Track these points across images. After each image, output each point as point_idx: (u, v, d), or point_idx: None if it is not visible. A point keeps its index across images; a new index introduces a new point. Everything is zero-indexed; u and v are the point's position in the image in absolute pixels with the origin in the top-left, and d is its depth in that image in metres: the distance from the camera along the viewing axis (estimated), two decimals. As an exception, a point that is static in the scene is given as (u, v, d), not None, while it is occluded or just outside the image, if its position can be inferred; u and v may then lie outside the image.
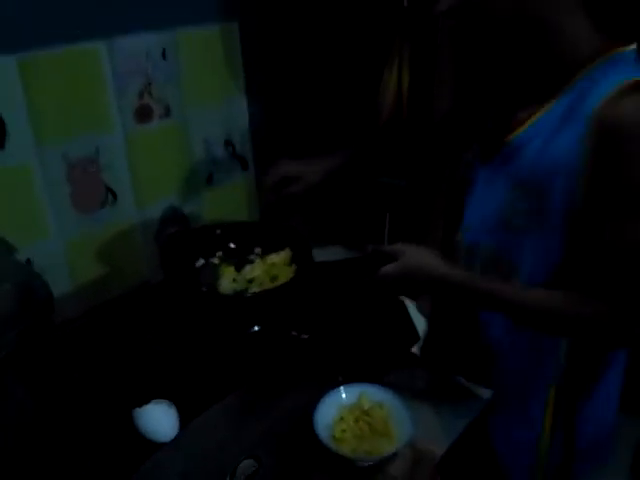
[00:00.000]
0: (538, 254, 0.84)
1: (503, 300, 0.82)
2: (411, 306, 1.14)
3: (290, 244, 1.13)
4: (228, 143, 1.44)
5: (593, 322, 0.78)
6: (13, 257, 0.98)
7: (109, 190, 1.22)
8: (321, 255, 1.11)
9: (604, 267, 0.76)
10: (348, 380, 0.92)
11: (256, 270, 1.11)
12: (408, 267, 0.84)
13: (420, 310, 1.15)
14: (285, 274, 1.06)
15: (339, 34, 1.67)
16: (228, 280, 1.11)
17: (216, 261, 1.16)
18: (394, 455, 0.82)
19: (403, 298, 1.15)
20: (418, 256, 0.85)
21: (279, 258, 1.11)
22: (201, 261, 1.16)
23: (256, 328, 1.02)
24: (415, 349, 1.08)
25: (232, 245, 1.19)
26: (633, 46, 0.77)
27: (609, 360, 0.92)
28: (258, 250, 1.17)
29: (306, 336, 1.00)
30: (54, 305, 0.76)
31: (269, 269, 1.11)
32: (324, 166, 1.13)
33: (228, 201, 1.49)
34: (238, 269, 1.13)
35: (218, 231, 1.19)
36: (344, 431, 0.85)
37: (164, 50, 1.21)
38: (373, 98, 1.70)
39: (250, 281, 1.10)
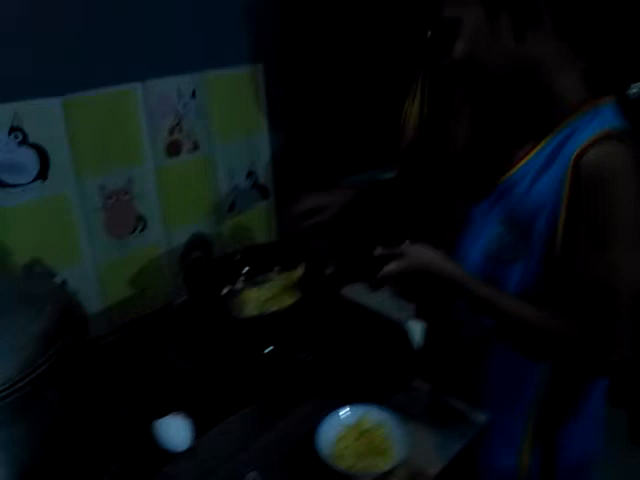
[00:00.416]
0: (523, 284, 0.91)
1: (498, 304, 0.88)
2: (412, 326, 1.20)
3: (306, 259, 1.21)
4: (251, 174, 1.54)
5: (569, 344, 0.85)
6: (52, 280, 1.09)
7: (139, 217, 1.33)
8: (371, 298, 1.19)
9: (577, 297, 0.83)
10: (351, 401, 0.98)
11: (272, 289, 1.20)
12: (415, 262, 0.91)
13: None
14: (292, 296, 1.14)
15: (361, 67, 1.76)
16: (250, 303, 1.19)
17: (239, 286, 1.25)
18: (390, 472, 0.89)
19: (405, 324, 1.22)
20: (425, 252, 0.92)
21: (296, 274, 1.19)
22: (226, 288, 1.25)
23: (269, 349, 1.10)
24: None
25: (252, 267, 1.27)
26: (612, 98, 0.85)
27: (588, 387, 0.98)
28: (277, 268, 1.25)
29: (313, 358, 1.08)
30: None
31: (286, 284, 1.19)
32: (344, 197, 1.22)
33: (249, 227, 1.58)
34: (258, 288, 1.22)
35: (238, 256, 1.28)
36: (345, 448, 0.92)
37: (194, 90, 1.32)
38: (395, 128, 1.78)
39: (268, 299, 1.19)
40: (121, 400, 0.94)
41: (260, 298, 1.19)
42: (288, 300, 1.14)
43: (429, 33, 1.46)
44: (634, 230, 0.80)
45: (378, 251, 0.95)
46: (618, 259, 0.80)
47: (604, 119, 0.82)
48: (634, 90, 1.27)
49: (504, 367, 1.00)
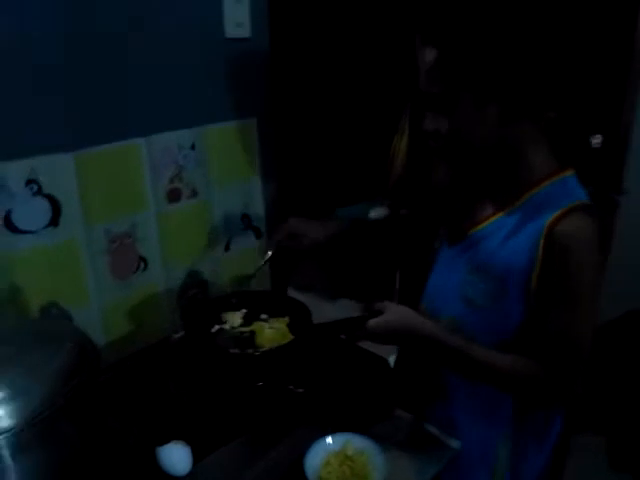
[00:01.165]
0: (493, 327, 1.02)
1: (466, 355, 0.99)
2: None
3: (291, 313, 1.32)
4: (245, 216, 1.65)
5: (535, 384, 0.97)
6: (68, 321, 1.19)
7: (141, 259, 1.43)
8: (332, 308, 1.29)
9: (545, 345, 0.96)
10: (335, 430, 1.08)
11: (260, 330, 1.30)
12: (391, 321, 1.02)
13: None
14: (286, 337, 1.24)
15: (349, 105, 1.87)
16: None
17: (229, 325, 1.34)
18: (370, 495, 0.99)
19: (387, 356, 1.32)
20: (400, 312, 1.04)
21: (280, 322, 1.30)
22: (218, 326, 1.35)
23: (260, 383, 1.19)
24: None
25: (244, 310, 1.37)
26: (573, 170, 0.99)
27: (550, 417, 1.09)
28: (264, 316, 1.35)
29: (301, 390, 1.18)
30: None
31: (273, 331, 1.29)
32: (328, 228, 1.32)
33: (243, 266, 1.68)
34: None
35: (234, 300, 1.38)
36: (329, 473, 1.01)
37: (193, 143, 1.44)
38: (384, 163, 1.89)
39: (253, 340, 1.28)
40: (127, 429, 1.03)
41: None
42: (281, 340, 1.24)
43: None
44: (593, 292, 0.94)
45: (365, 310, 1.06)
46: (582, 315, 0.94)
47: (573, 192, 0.96)
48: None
49: (476, 398, 1.11)
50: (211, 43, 1.42)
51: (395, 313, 1.03)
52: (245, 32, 1.47)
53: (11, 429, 0.76)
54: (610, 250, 1.97)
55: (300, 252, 1.31)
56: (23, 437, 0.77)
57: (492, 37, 0.89)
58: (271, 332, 1.27)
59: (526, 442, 1.10)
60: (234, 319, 1.34)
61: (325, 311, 1.28)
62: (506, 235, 0.99)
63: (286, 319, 1.31)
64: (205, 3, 1.39)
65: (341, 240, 1.35)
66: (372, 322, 1.03)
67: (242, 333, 1.30)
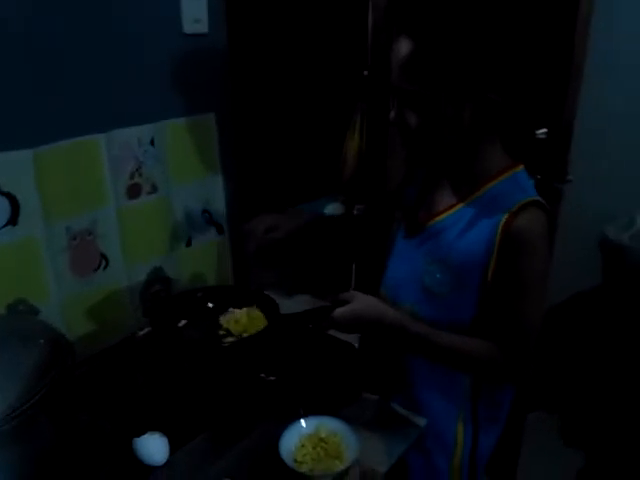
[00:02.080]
0: (450, 315, 1.08)
1: (428, 341, 1.05)
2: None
3: (257, 304, 1.34)
4: (205, 211, 1.66)
5: (493, 365, 1.05)
6: (37, 317, 1.17)
7: (102, 256, 1.42)
8: (290, 303, 1.32)
9: (500, 330, 1.03)
10: (308, 413, 1.10)
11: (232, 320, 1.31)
12: (357, 310, 1.06)
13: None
14: (256, 326, 1.26)
15: (304, 104, 1.90)
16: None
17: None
18: (345, 472, 1.02)
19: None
20: (366, 301, 1.08)
21: (250, 311, 1.32)
22: (183, 321, 1.35)
23: (232, 373, 1.21)
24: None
25: (210, 305, 1.38)
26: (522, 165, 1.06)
27: (503, 395, 1.16)
28: (232, 309, 1.36)
29: (273, 378, 1.20)
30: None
31: (243, 320, 1.31)
32: (297, 219, 1.36)
33: (205, 261, 1.69)
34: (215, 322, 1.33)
35: (199, 294, 1.39)
36: (304, 455, 1.04)
37: (153, 138, 1.43)
38: (337, 159, 1.93)
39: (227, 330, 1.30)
40: (101, 423, 1.03)
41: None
42: (259, 325, 1.26)
43: (365, 72, 1.63)
44: (543, 280, 1.02)
45: (330, 301, 1.09)
46: (532, 302, 1.01)
47: (525, 187, 1.03)
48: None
49: (436, 377, 1.16)
50: (169, 39, 1.42)
51: (361, 302, 1.07)
52: (203, 28, 1.48)
53: (-12, 425, 0.75)
54: (555, 238, 2.09)
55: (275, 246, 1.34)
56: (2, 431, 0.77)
57: (470, 30, 0.93)
58: (247, 318, 1.29)
59: (480, 419, 1.16)
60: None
61: (284, 307, 1.31)
62: (463, 228, 1.05)
63: (258, 309, 1.33)
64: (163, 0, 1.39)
65: (304, 233, 1.38)
66: (338, 311, 1.07)
67: (214, 326, 1.31)
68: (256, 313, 1.31)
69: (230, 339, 1.26)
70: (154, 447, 0.97)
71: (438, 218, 1.09)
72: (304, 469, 1.01)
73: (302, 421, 1.09)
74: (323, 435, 1.08)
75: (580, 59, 1.77)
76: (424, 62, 0.94)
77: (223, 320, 1.32)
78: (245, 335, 1.24)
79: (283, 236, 1.32)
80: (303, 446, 1.06)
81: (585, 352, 2.27)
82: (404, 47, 0.95)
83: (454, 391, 1.15)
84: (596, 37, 1.80)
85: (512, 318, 1.01)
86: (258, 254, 1.33)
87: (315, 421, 1.10)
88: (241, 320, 1.29)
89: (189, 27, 1.45)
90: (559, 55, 1.76)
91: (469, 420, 1.16)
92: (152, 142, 1.44)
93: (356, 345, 1.39)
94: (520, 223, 0.97)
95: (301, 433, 1.08)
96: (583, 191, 2.03)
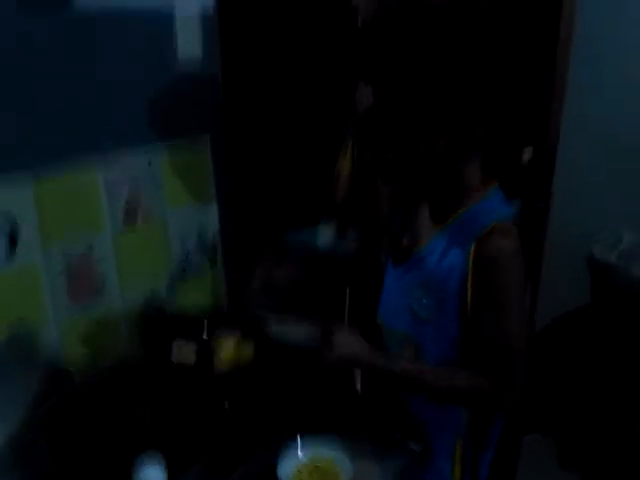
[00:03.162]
0: (439, 338, 1.10)
1: (415, 380, 1.08)
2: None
3: (250, 331, 1.33)
4: (200, 236, 1.66)
5: (482, 395, 1.05)
6: (37, 342, 1.18)
7: (99, 280, 1.42)
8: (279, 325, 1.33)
9: (484, 356, 1.04)
10: (304, 437, 1.12)
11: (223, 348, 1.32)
12: (342, 355, 1.08)
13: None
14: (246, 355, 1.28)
15: (298, 127, 1.92)
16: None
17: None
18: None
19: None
20: (347, 344, 1.09)
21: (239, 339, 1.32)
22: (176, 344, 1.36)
23: (226, 403, 1.22)
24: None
25: (203, 330, 1.39)
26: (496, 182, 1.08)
27: (495, 421, 1.17)
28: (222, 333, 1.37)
29: (266, 406, 1.21)
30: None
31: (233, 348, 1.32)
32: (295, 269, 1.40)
33: (199, 286, 1.69)
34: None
35: (194, 319, 1.40)
36: (301, 480, 1.06)
37: (149, 161, 1.45)
38: (329, 183, 1.94)
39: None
40: (97, 449, 1.04)
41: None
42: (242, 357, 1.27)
43: (357, 94, 1.66)
44: (520, 299, 1.04)
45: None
46: (512, 323, 1.02)
47: (495, 210, 1.04)
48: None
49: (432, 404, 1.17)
50: (164, 63, 1.45)
51: (342, 346, 1.09)
52: (197, 52, 1.50)
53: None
54: (541, 258, 2.11)
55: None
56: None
57: (433, 73, 0.94)
58: (232, 349, 1.30)
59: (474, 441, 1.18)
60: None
61: (273, 327, 1.32)
62: (441, 253, 1.07)
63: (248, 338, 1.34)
64: (157, 23, 1.41)
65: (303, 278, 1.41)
66: (325, 355, 1.08)
67: (203, 351, 1.32)
68: (246, 343, 1.32)
69: (222, 367, 1.27)
70: (152, 473, 0.97)
71: (422, 245, 1.12)
72: (301, 496, 1.02)
73: (298, 448, 1.10)
74: (319, 462, 1.09)
75: (562, 79, 1.81)
76: (389, 110, 0.97)
77: (215, 347, 1.33)
78: (234, 365, 1.25)
79: (285, 288, 1.35)
80: (299, 472, 1.07)
81: (576, 372, 2.28)
82: (367, 95, 0.98)
83: (451, 417, 1.16)
84: (577, 57, 1.85)
85: (494, 343, 1.02)
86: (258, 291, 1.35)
87: (311, 447, 1.11)
88: (231, 349, 1.31)
89: (183, 51, 1.48)
90: (541, 75, 1.80)
91: (468, 445, 1.17)
92: (149, 164, 1.45)
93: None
94: (488, 250, 1.00)
95: (297, 461, 1.09)
96: (568, 210, 2.05)
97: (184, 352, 1.32)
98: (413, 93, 0.95)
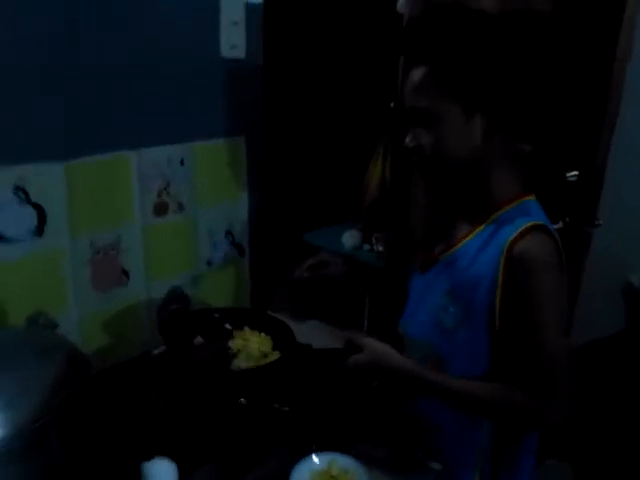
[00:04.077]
0: (465, 350, 1.04)
1: (445, 389, 1.01)
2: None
3: (273, 330, 1.33)
4: (229, 233, 1.66)
5: (522, 412, 0.99)
6: (56, 330, 1.17)
7: (124, 272, 1.42)
8: (302, 329, 1.31)
9: (523, 371, 0.97)
10: (320, 448, 1.08)
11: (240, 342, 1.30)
12: (372, 361, 1.04)
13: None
14: (270, 355, 1.25)
15: (331, 133, 1.91)
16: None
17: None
18: (355, 514, 0.99)
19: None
20: (379, 351, 1.04)
21: (262, 339, 1.30)
22: (199, 339, 1.34)
23: (243, 400, 1.19)
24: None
25: (227, 326, 1.37)
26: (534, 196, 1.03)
27: (525, 440, 1.11)
28: (246, 332, 1.35)
29: (286, 408, 1.18)
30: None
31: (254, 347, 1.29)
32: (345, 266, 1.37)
33: (224, 282, 1.69)
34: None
35: (216, 314, 1.38)
36: (315, 492, 1.02)
37: (182, 159, 1.45)
38: (358, 188, 1.93)
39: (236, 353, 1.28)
40: (110, 444, 1.02)
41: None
42: (265, 359, 1.25)
43: (392, 104, 1.63)
44: (558, 307, 0.96)
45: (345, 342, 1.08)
46: (548, 330, 0.95)
47: (529, 213, 1.00)
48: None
49: (454, 421, 1.12)
50: (206, 62, 1.44)
51: (374, 352, 1.05)
52: (240, 53, 1.50)
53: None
54: (581, 280, 2.05)
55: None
56: (11, 448, 0.76)
57: (479, 48, 0.94)
58: (256, 349, 1.27)
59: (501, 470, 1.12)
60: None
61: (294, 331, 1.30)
62: (473, 255, 1.02)
63: (269, 337, 1.32)
64: (203, 24, 1.42)
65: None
66: (352, 359, 1.04)
67: (226, 348, 1.30)
68: (267, 342, 1.30)
69: (241, 364, 1.24)
70: (162, 474, 0.95)
71: (452, 249, 1.07)
72: (313, 507, 0.98)
73: (314, 457, 1.06)
74: (334, 472, 1.05)
75: (615, 103, 1.75)
76: (435, 79, 0.96)
77: (234, 345, 1.31)
78: (254, 362, 1.22)
79: (339, 275, 1.33)
80: (313, 481, 1.03)
81: (605, 399, 2.20)
82: (415, 73, 0.97)
83: (472, 440, 1.11)
84: (632, 81, 1.79)
85: (530, 357, 0.96)
86: (299, 284, 1.33)
87: (327, 457, 1.07)
88: (253, 345, 1.28)
89: (227, 52, 1.47)
90: (593, 98, 1.75)
91: (487, 471, 1.11)
92: (182, 162, 1.45)
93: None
94: (523, 246, 0.94)
95: (312, 469, 1.05)
96: (609, 236, 2.00)
97: (204, 347, 1.30)
98: (457, 68, 0.95)
